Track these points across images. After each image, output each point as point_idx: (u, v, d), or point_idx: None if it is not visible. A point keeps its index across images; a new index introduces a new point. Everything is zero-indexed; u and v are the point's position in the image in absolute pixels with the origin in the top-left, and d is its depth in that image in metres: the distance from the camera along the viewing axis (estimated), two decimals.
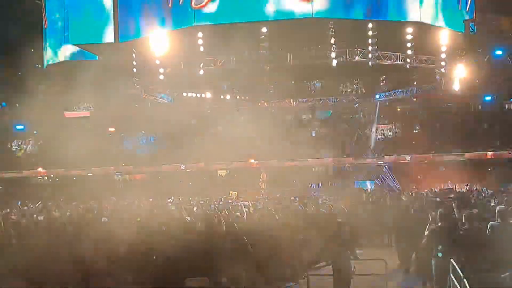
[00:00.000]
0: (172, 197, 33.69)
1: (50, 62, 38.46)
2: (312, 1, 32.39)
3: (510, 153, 44.32)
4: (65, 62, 37.69)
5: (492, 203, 17.79)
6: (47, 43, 38.07)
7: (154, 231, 14.84)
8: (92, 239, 14.00)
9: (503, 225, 12.51)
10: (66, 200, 35.54)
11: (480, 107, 51.71)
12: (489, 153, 44.81)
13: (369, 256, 16.03)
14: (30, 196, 38.85)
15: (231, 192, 38.77)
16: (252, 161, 48.78)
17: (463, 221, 13.46)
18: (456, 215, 14.98)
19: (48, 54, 38.72)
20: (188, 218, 16.43)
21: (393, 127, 52.58)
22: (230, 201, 32.39)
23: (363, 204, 26.37)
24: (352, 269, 12.84)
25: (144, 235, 14.12)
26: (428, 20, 34.28)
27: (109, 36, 34.84)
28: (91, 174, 50.01)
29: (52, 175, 52.02)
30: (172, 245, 12.97)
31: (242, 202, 28.05)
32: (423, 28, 34.77)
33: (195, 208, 22.39)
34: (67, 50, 37.58)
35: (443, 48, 35.90)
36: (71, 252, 12.92)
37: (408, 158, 46.08)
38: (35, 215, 21.18)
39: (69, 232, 15.17)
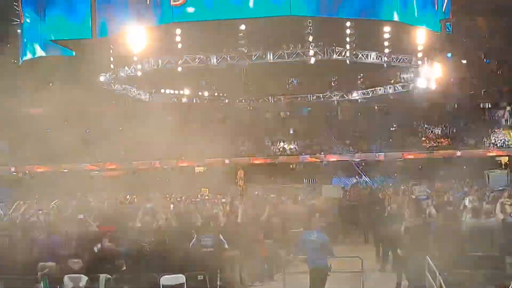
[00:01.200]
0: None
1: (26, 58, 38.08)
2: None
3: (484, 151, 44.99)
4: (42, 58, 37.36)
5: (466, 202, 17.96)
6: (23, 39, 37.67)
7: (130, 229, 14.82)
8: (68, 237, 13.96)
9: (476, 223, 12.68)
10: (41, 197, 35.31)
11: (455, 105, 52.27)
12: (458, 152, 45.50)
13: (345, 254, 16.13)
14: (2, 194, 38.57)
15: (202, 188, 38.84)
16: (227, 161, 49.04)
17: (438, 218, 13.64)
18: (430, 212, 15.15)
19: (24, 50, 38.33)
20: (164, 216, 16.39)
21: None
22: (207, 197, 32.36)
23: (340, 201, 26.44)
24: (328, 267, 12.91)
25: (120, 232, 14.09)
26: (404, 20, 34.48)
27: (86, 31, 34.59)
28: (66, 170, 49.82)
29: (27, 171, 51.65)
30: (147, 242, 12.99)
31: (220, 199, 28.05)
32: (400, 27, 34.99)
33: (171, 206, 22.36)
34: (43, 46, 37.22)
35: (420, 47, 36.18)
36: (46, 250, 12.89)
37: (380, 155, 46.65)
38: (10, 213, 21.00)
39: (45, 230, 15.07)
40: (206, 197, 32.49)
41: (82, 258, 12.46)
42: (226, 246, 13.10)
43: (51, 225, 15.76)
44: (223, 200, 26.01)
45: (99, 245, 12.97)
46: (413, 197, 23.63)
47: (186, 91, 49.50)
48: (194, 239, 13.12)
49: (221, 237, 13.12)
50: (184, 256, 12.35)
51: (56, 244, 13.60)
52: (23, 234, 14.61)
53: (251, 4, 32.65)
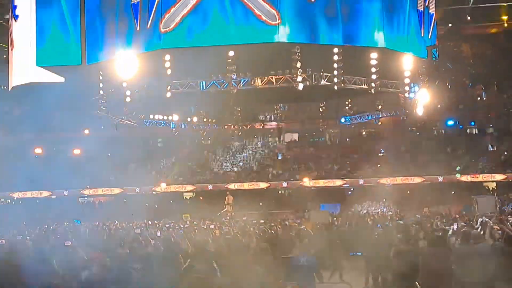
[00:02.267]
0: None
1: (15, 84, 38.10)
2: (278, 26, 32.66)
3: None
4: (31, 84, 37.36)
5: (455, 227, 18.05)
6: (13, 65, 37.70)
7: (118, 255, 14.74)
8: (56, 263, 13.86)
9: (466, 248, 12.72)
10: (29, 223, 35.16)
11: (443, 131, 52.62)
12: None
13: (335, 280, 16.13)
14: None
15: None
16: (210, 187, 49.12)
17: (426, 243, 13.70)
18: (420, 237, 15.21)
19: (13, 76, 38.35)
20: (152, 242, 16.37)
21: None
22: (195, 223, 32.31)
23: (328, 227, 26.47)
24: None
25: (108, 258, 14.02)
26: (391, 46, 34.81)
27: (76, 58, 34.69)
28: (55, 196, 49.62)
29: (15, 197, 51.34)
30: (136, 268, 12.92)
31: (208, 225, 28.01)
32: (387, 54, 35.28)
33: (158, 233, 22.28)
34: (33, 72, 37.23)
35: (407, 73, 36.47)
36: (32, 278, 12.79)
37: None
38: None
39: (32, 256, 14.98)
40: (194, 223, 32.44)
41: (69, 285, 12.36)
42: (219, 274, 13.01)
43: (38, 252, 15.67)
44: (212, 226, 26.01)
45: (86, 272, 12.89)
46: (402, 222, 23.72)
47: (175, 117, 49.56)
48: (186, 265, 13.06)
49: (215, 264, 13.05)
50: (174, 283, 12.30)
51: (42, 271, 13.49)
52: (9, 261, 14.49)
53: (240, 30, 32.91)
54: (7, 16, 38.17)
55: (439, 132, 52.91)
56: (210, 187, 49.45)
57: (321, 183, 48.37)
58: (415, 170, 47.19)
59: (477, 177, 46.00)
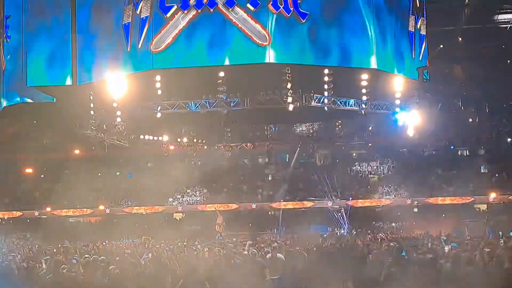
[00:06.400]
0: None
1: (6, 104, 38.01)
2: (268, 46, 32.73)
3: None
4: (22, 104, 37.37)
5: (446, 249, 18.04)
6: (4, 85, 37.63)
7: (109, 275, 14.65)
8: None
9: (456, 270, 12.71)
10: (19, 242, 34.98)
11: (433, 153, 52.74)
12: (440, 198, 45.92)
13: None
14: None
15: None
16: (208, 204, 49.07)
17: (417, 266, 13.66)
18: (410, 260, 15.17)
19: (4, 96, 38.29)
20: (143, 262, 16.28)
21: None
22: (185, 243, 32.20)
23: (319, 248, 26.37)
24: None
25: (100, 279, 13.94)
26: (382, 67, 34.88)
27: (66, 78, 34.65)
28: (45, 216, 49.43)
29: (5, 217, 51.10)
30: None
31: (198, 246, 27.91)
32: (377, 75, 35.34)
33: (149, 254, 22.18)
34: (24, 92, 37.17)
35: (397, 95, 36.50)
36: None
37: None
38: None
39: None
40: (184, 243, 32.32)
41: None
42: None
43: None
44: (199, 246, 25.94)
45: None
46: (392, 244, 23.67)
47: (165, 137, 49.49)
48: (178, 286, 12.98)
49: (207, 285, 12.98)
50: None
51: None
52: None
53: (230, 51, 32.96)
54: None
55: (430, 154, 53.05)
56: (204, 207, 49.49)
57: (311, 204, 48.43)
58: (406, 192, 47.26)
59: (468, 199, 46.15)
